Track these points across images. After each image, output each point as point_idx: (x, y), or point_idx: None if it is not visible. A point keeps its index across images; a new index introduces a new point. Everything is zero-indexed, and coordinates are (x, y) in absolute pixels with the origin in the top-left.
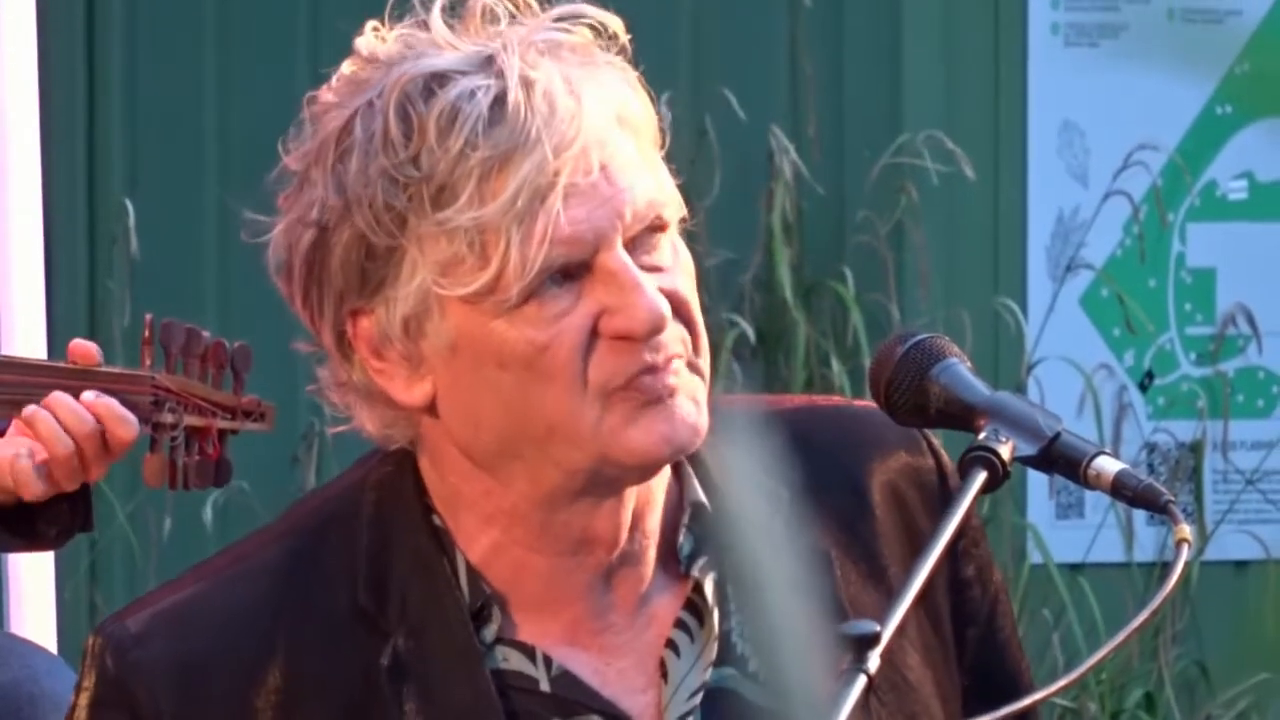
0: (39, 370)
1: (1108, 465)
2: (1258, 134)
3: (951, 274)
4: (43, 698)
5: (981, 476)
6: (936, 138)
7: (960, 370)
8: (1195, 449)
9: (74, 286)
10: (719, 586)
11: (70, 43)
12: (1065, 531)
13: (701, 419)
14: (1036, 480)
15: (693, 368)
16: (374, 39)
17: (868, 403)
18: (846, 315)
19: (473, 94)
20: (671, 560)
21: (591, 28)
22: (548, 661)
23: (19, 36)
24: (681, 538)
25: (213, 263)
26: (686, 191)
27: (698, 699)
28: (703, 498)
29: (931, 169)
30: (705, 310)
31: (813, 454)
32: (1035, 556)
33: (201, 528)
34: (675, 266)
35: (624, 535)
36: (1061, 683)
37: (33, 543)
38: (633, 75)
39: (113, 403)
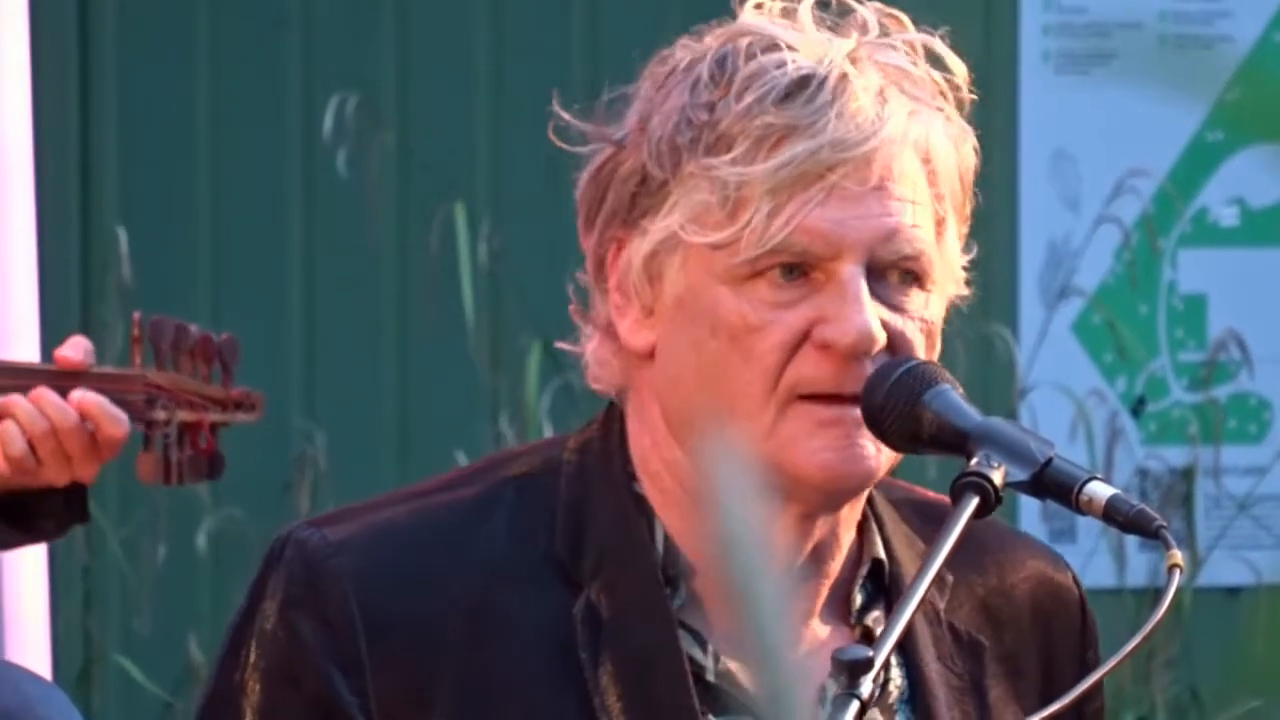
0: (33, 374)
1: (1100, 491)
2: (1249, 160)
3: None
4: None
5: (974, 502)
6: None
7: (952, 396)
8: (1187, 475)
9: (67, 313)
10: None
11: (63, 71)
12: None
13: (872, 464)
14: (1028, 505)
15: None
16: (752, 9)
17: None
18: None
19: (783, 65)
20: (843, 607)
21: (939, 66)
22: (716, 655)
23: (12, 63)
24: (856, 588)
25: (206, 288)
26: None
27: None
28: (882, 555)
29: None
30: None
31: (974, 553)
32: None
33: (195, 555)
34: (914, 321)
35: (799, 561)
36: (1053, 708)
37: (30, 535)
38: (967, 137)
39: (102, 400)
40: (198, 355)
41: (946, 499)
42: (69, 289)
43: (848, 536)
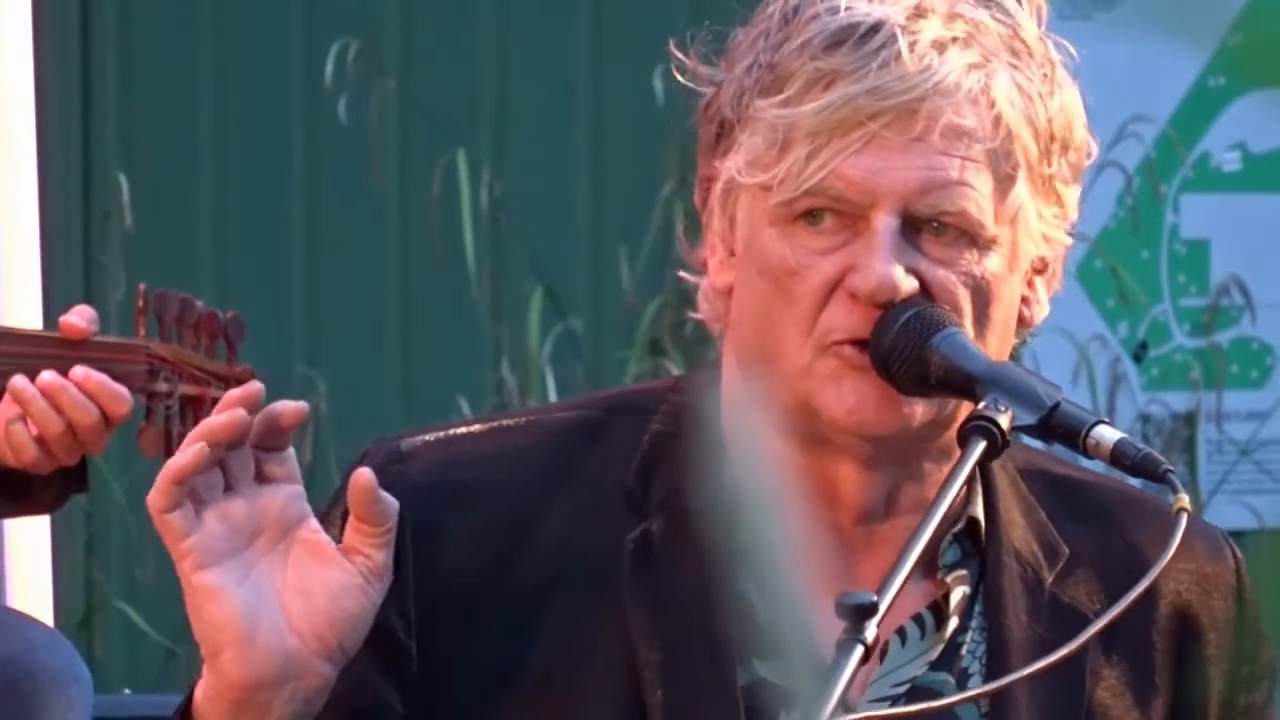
0: (34, 340)
1: (1107, 434)
2: (1251, 105)
3: None
4: (40, 671)
5: (981, 445)
6: None
7: (960, 339)
8: (1189, 420)
9: (69, 261)
10: (967, 600)
11: (65, 19)
12: None
13: (903, 412)
14: None
15: None
16: None
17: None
18: None
19: (836, 10)
20: (933, 559)
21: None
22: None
23: (14, 12)
24: (946, 543)
25: (207, 236)
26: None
27: (902, 689)
28: (980, 515)
29: None
30: None
31: (1108, 531)
32: None
33: None
34: (956, 268)
35: (872, 508)
36: (1061, 652)
37: (30, 507)
38: (1058, 91)
39: (104, 379)
40: (202, 330)
41: (1098, 478)
42: (70, 236)
43: (938, 492)
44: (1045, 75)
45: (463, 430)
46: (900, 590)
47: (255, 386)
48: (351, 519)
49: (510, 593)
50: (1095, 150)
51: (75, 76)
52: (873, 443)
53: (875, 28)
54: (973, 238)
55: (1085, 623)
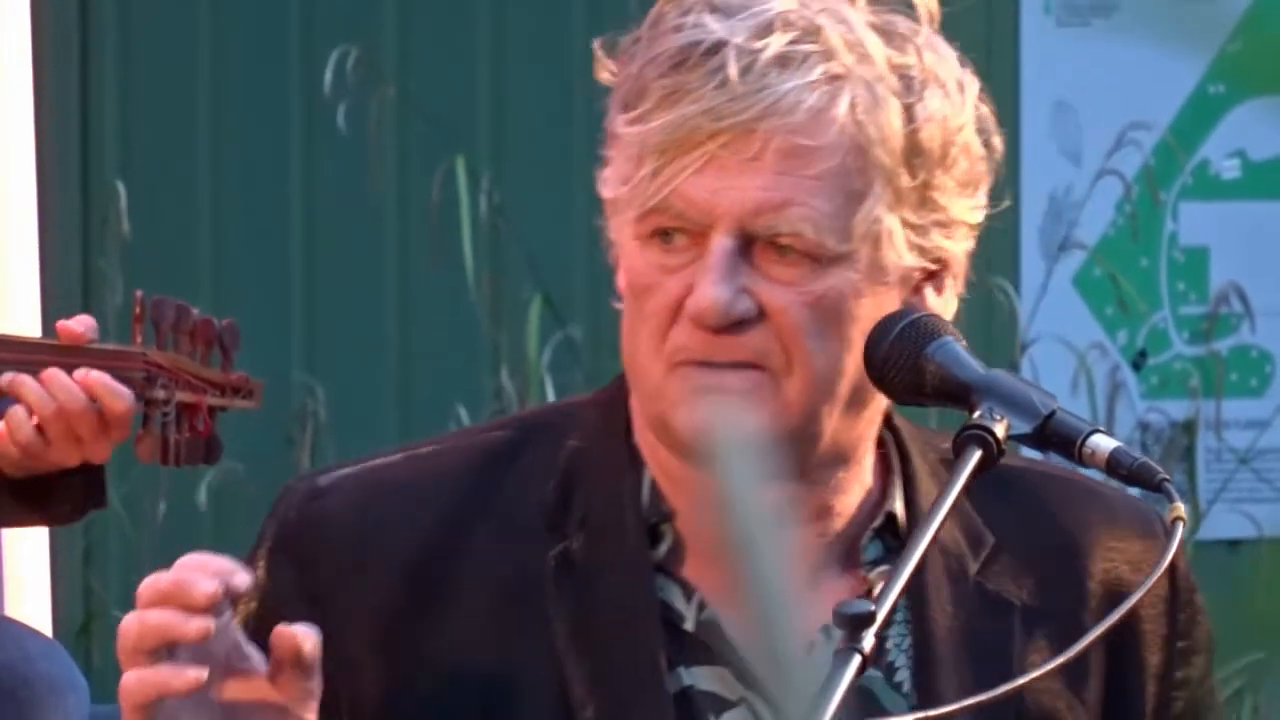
0: (32, 347)
1: (1103, 443)
2: (1250, 112)
3: None
4: (37, 680)
5: (977, 455)
6: None
7: (955, 348)
8: (1189, 428)
9: (67, 268)
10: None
11: (64, 26)
12: None
13: (748, 428)
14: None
15: (775, 382)
16: None
17: (1102, 483)
18: None
19: (683, 28)
20: (853, 557)
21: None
22: (701, 604)
23: (12, 19)
24: (866, 540)
25: (205, 242)
26: None
27: None
28: (899, 510)
29: None
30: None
31: (1036, 516)
32: None
33: (196, 510)
34: (797, 288)
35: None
36: (1058, 660)
37: (47, 518)
38: (922, 102)
39: (105, 377)
40: (198, 337)
41: (1025, 463)
42: (69, 242)
43: (847, 488)
44: (908, 86)
45: (381, 462)
46: (822, 589)
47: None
48: (282, 672)
49: (437, 626)
50: (998, 146)
51: (74, 83)
52: (699, 455)
53: (715, 47)
54: (815, 257)
55: (1011, 611)
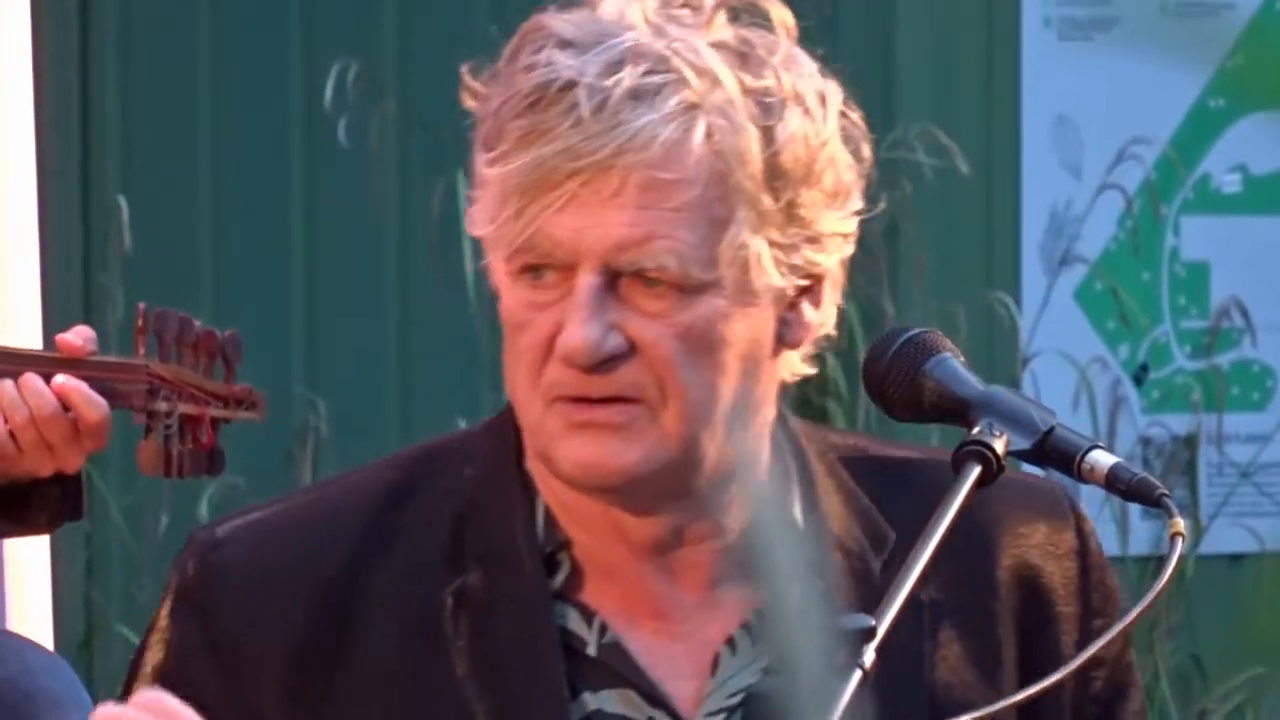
0: (32, 360)
1: (1102, 459)
2: (1251, 127)
3: (945, 268)
4: (39, 694)
5: (976, 471)
6: (930, 132)
7: (954, 365)
8: (1190, 442)
9: (69, 282)
10: None
11: (65, 41)
12: None
13: (623, 462)
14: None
15: (651, 414)
16: None
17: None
18: (841, 310)
19: (535, 67)
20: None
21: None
22: (602, 628)
23: (13, 32)
24: None
25: (207, 257)
26: None
27: (737, 699)
28: (797, 514)
29: (925, 163)
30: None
31: (936, 507)
32: None
33: (197, 523)
34: (666, 320)
35: (663, 542)
36: (1056, 676)
37: (23, 527)
38: (781, 123)
39: (80, 385)
40: (201, 349)
41: (925, 454)
42: (70, 257)
43: (734, 510)
44: (765, 110)
45: (279, 508)
46: (724, 602)
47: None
48: None
49: (342, 668)
50: (866, 153)
51: (75, 98)
52: (612, 494)
53: (568, 85)
54: (682, 288)
55: (919, 608)
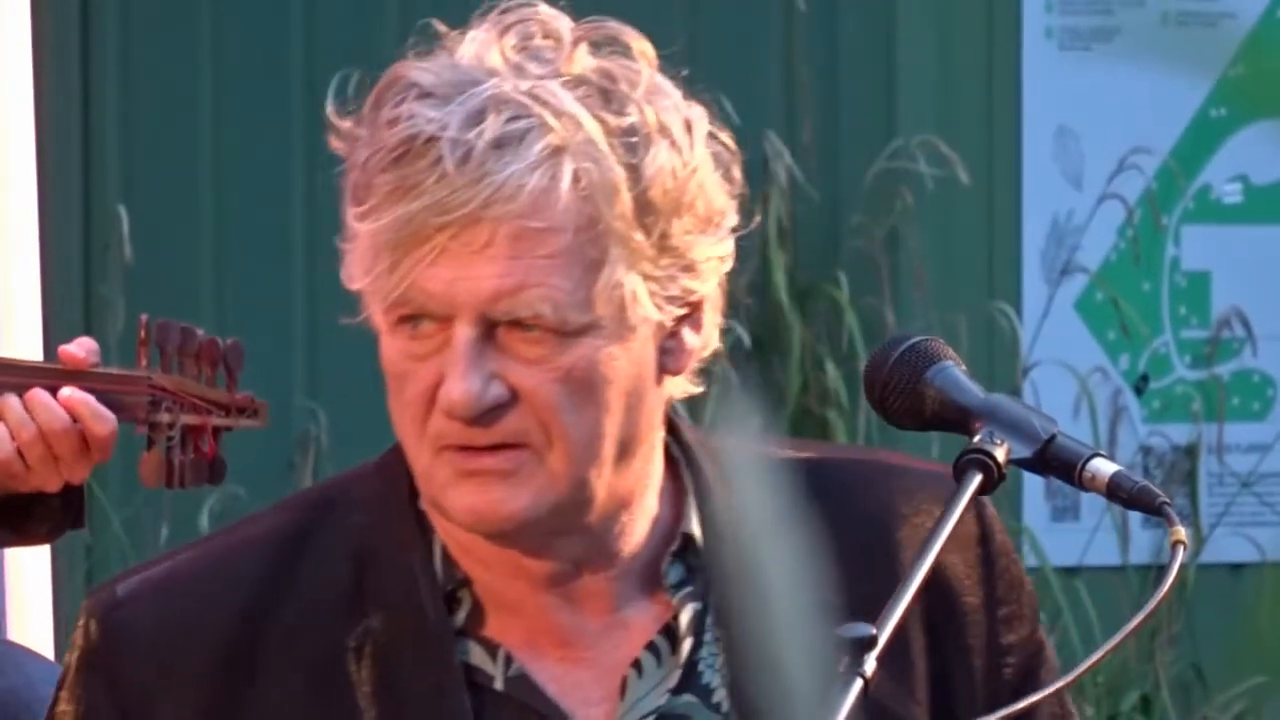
0: (34, 372)
1: (1103, 467)
2: (1252, 136)
3: (946, 278)
4: (39, 705)
5: (977, 479)
6: (931, 142)
7: (955, 373)
8: (1190, 452)
9: (69, 293)
10: (698, 617)
11: (65, 51)
12: (1061, 534)
13: (513, 508)
14: (1032, 483)
15: (538, 458)
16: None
17: (906, 458)
18: (842, 319)
19: (397, 121)
20: (656, 584)
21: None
22: (508, 660)
23: (13, 43)
24: (666, 565)
25: (207, 268)
26: None
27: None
28: (696, 530)
29: (926, 174)
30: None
31: (843, 508)
32: (1031, 559)
33: (198, 533)
34: (545, 366)
35: (562, 575)
36: (1057, 685)
37: (23, 537)
38: (648, 157)
39: (88, 398)
40: (202, 359)
41: (827, 448)
42: (71, 268)
43: (637, 519)
44: (630, 148)
45: (174, 562)
46: (629, 623)
47: None
48: None
49: (252, 719)
50: (737, 176)
51: (75, 109)
52: (505, 538)
53: (431, 140)
54: (559, 332)
55: (834, 616)
